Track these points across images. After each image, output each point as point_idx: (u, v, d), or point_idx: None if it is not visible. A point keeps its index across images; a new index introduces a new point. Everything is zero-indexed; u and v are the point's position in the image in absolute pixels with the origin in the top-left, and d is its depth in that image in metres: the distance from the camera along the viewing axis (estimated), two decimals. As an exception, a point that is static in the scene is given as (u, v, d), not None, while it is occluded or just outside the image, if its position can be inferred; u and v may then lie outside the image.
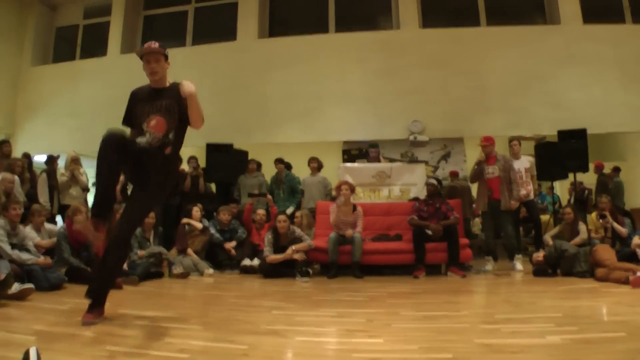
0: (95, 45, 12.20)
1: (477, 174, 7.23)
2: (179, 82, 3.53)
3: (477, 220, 10.25)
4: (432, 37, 10.78)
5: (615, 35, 10.10)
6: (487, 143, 7.20)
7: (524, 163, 7.91)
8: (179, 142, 3.66)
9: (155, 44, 3.58)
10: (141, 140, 3.54)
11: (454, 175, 10.04)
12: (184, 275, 6.35)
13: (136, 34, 12.12)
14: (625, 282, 5.27)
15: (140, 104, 3.65)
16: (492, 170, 7.12)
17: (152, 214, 6.93)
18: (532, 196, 7.98)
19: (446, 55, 10.57)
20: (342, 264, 6.66)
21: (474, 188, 8.38)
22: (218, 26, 11.79)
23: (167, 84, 3.69)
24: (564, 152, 8.13)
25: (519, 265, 7.04)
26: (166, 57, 3.67)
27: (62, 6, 12.71)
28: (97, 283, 3.52)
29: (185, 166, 8.92)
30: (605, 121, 9.53)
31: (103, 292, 3.48)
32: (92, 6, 12.49)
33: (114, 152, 3.31)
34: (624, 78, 9.80)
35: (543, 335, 3.04)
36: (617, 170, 10.45)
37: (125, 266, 6.05)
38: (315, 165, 8.83)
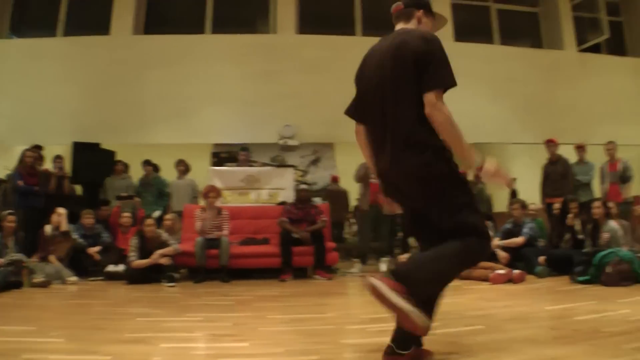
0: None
1: (363, 176, 7.57)
2: None
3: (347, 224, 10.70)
4: (308, 42, 11.11)
5: (485, 54, 11.09)
6: None
7: None
8: None
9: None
10: None
11: (334, 180, 10.36)
12: (45, 284, 6.02)
13: (4, 18, 11.22)
14: (486, 279, 5.97)
15: None
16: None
17: (12, 218, 6.56)
18: None
19: (322, 61, 10.92)
20: (209, 268, 6.69)
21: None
22: (92, 18, 11.27)
23: None
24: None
25: (384, 268, 7.45)
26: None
27: None
28: None
29: (49, 166, 8.54)
30: (473, 132, 10.28)
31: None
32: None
33: None
34: (492, 93, 10.80)
35: (406, 333, 3.32)
36: (477, 177, 11.37)
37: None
38: (183, 168, 8.84)
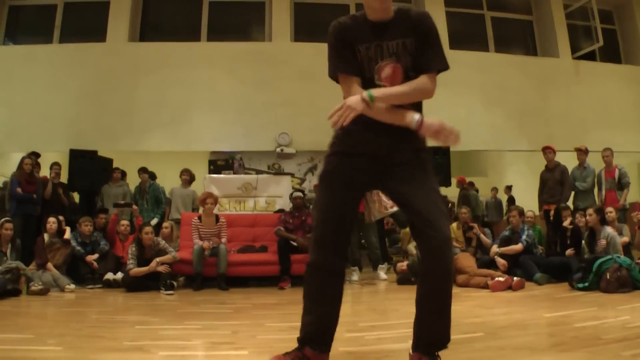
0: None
1: None
2: (407, 7, 2.54)
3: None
4: (303, 50, 11.14)
5: (479, 62, 11.15)
6: None
7: None
8: None
9: None
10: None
11: (316, 188, 10.23)
12: (43, 292, 5.96)
13: (0, 25, 11.30)
14: (485, 286, 5.94)
15: (360, 45, 2.55)
16: None
17: (9, 225, 6.49)
18: (395, 207, 8.37)
19: (316, 69, 10.91)
20: (207, 275, 6.70)
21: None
22: (88, 25, 11.31)
23: (392, 13, 2.50)
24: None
25: (383, 275, 7.47)
26: None
27: None
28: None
29: (46, 172, 8.53)
30: (468, 140, 10.32)
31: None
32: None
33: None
34: (486, 101, 10.85)
35: (406, 340, 3.09)
36: (471, 184, 11.45)
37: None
38: (187, 177, 8.86)
